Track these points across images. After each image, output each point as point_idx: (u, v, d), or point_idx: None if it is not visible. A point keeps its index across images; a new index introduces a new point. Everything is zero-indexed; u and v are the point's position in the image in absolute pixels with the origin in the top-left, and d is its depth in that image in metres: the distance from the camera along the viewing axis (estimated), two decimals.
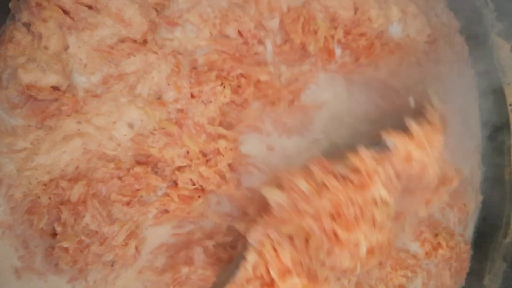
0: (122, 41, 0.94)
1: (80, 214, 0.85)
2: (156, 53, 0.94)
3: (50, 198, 0.86)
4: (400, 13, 1.09)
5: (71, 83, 0.91)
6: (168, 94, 0.95)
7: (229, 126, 0.99)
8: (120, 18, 0.93)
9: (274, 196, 0.83)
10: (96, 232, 0.86)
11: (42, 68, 0.87)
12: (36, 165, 0.87)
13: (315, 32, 1.04)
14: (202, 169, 0.93)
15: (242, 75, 0.99)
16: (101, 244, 0.86)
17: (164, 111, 0.94)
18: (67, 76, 0.90)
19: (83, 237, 0.84)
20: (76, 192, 0.86)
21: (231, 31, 1.00)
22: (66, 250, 0.83)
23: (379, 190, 0.82)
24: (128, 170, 0.90)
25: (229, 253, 0.92)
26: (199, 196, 0.94)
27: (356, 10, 1.06)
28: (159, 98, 0.95)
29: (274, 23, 1.03)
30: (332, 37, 1.05)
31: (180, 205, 0.92)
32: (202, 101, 0.96)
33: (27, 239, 0.85)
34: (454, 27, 1.18)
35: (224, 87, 0.96)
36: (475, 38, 1.17)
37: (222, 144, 0.95)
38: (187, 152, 0.94)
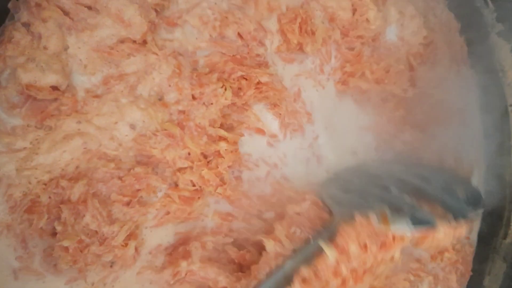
0: (122, 41, 0.94)
1: (80, 213, 0.85)
2: (156, 53, 0.94)
3: (50, 197, 0.86)
4: (398, 14, 1.10)
5: (70, 83, 0.91)
6: (170, 95, 0.95)
7: (230, 128, 0.99)
8: (120, 19, 0.93)
9: (330, 254, 0.82)
10: (96, 232, 0.86)
11: (41, 68, 0.87)
12: (36, 165, 0.86)
13: (313, 33, 1.04)
14: (204, 171, 0.93)
15: (243, 77, 0.99)
16: (101, 244, 0.85)
17: (166, 112, 0.94)
18: (66, 76, 0.90)
19: (83, 237, 0.84)
20: (77, 191, 0.85)
21: (231, 33, 1.00)
22: (66, 249, 0.82)
23: (396, 252, 0.83)
24: (129, 170, 0.90)
25: (228, 253, 0.92)
26: (199, 198, 0.94)
27: (354, 11, 1.07)
28: (160, 99, 0.95)
29: (272, 24, 1.03)
30: (329, 38, 1.06)
31: (181, 206, 0.92)
32: (204, 103, 0.96)
33: (26, 239, 0.85)
34: (453, 28, 1.18)
35: (225, 89, 0.96)
36: (475, 39, 1.18)
37: (222, 146, 0.95)
38: (189, 153, 0.94)
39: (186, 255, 0.89)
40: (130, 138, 0.92)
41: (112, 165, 0.89)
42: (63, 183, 0.86)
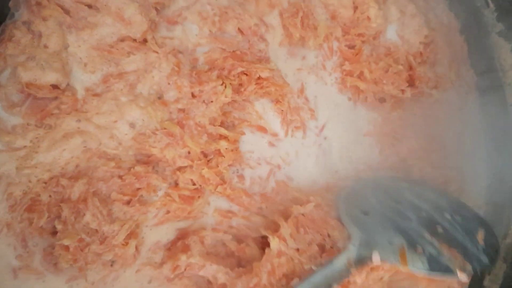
0: (122, 40, 0.94)
1: (81, 212, 0.85)
2: (156, 52, 0.94)
3: (50, 196, 0.86)
4: (398, 13, 1.09)
5: (71, 81, 0.91)
6: (169, 94, 0.95)
7: (231, 126, 0.99)
8: (120, 17, 0.92)
9: None
10: (96, 230, 0.85)
11: (41, 66, 0.87)
12: (36, 163, 0.86)
13: (315, 28, 1.04)
14: (205, 170, 0.92)
15: (243, 72, 0.99)
16: (101, 243, 0.85)
17: (165, 111, 0.94)
18: (66, 74, 0.90)
19: (83, 236, 0.84)
20: (77, 190, 0.85)
21: (231, 28, 1.00)
22: (66, 248, 0.82)
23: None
24: (129, 169, 0.90)
25: (227, 247, 0.92)
26: (199, 197, 0.94)
27: (355, 9, 1.07)
28: (160, 98, 0.95)
29: (274, 18, 1.03)
30: (331, 35, 1.06)
31: (181, 205, 0.92)
32: (203, 101, 0.96)
33: (26, 237, 0.84)
34: (454, 27, 1.18)
35: (225, 87, 0.96)
36: (475, 38, 1.18)
37: (223, 145, 0.95)
38: (188, 152, 0.94)
39: (185, 249, 0.89)
40: (130, 137, 0.91)
41: (112, 164, 0.89)
42: (63, 181, 0.86)
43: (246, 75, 0.99)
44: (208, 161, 0.95)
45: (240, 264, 0.91)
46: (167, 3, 0.98)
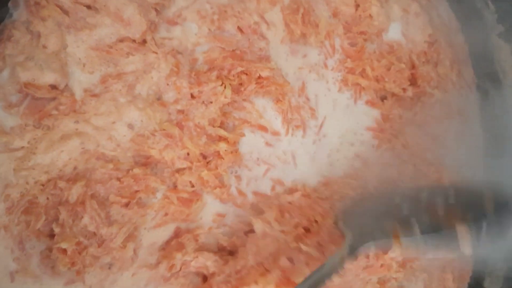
0: (121, 40, 0.93)
1: (79, 215, 0.84)
2: (155, 52, 0.94)
3: (48, 198, 0.85)
4: (401, 11, 1.09)
5: (69, 82, 0.90)
6: (168, 95, 0.95)
7: (231, 127, 0.98)
8: (119, 18, 0.92)
9: None
10: (94, 233, 0.85)
11: (40, 66, 0.86)
12: (34, 165, 0.86)
13: (316, 25, 1.04)
14: (204, 173, 0.92)
15: (243, 72, 0.98)
16: (99, 246, 0.84)
17: (164, 112, 0.93)
18: (65, 75, 0.89)
19: (81, 239, 0.83)
20: (75, 192, 0.85)
21: (230, 27, 0.99)
22: (64, 251, 0.81)
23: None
24: (127, 171, 0.89)
25: (219, 244, 0.92)
26: (197, 199, 0.93)
27: (357, 7, 1.07)
28: (159, 99, 0.94)
29: (275, 15, 1.02)
30: (333, 32, 1.05)
31: (179, 207, 0.91)
32: (203, 102, 0.95)
33: (24, 240, 0.84)
34: (454, 28, 1.18)
35: (225, 87, 0.95)
36: (475, 40, 1.18)
37: (222, 147, 0.94)
38: (187, 154, 0.93)
39: (180, 247, 0.88)
40: (128, 139, 0.91)
41: (111, 165, 0.88)
42: (61, 184, 0.85)
43: (246, 74, 0.98)
44: (207, 163, 0.95)
45: (231, 255, 0.92)
46: (167, 4, 0.98)
